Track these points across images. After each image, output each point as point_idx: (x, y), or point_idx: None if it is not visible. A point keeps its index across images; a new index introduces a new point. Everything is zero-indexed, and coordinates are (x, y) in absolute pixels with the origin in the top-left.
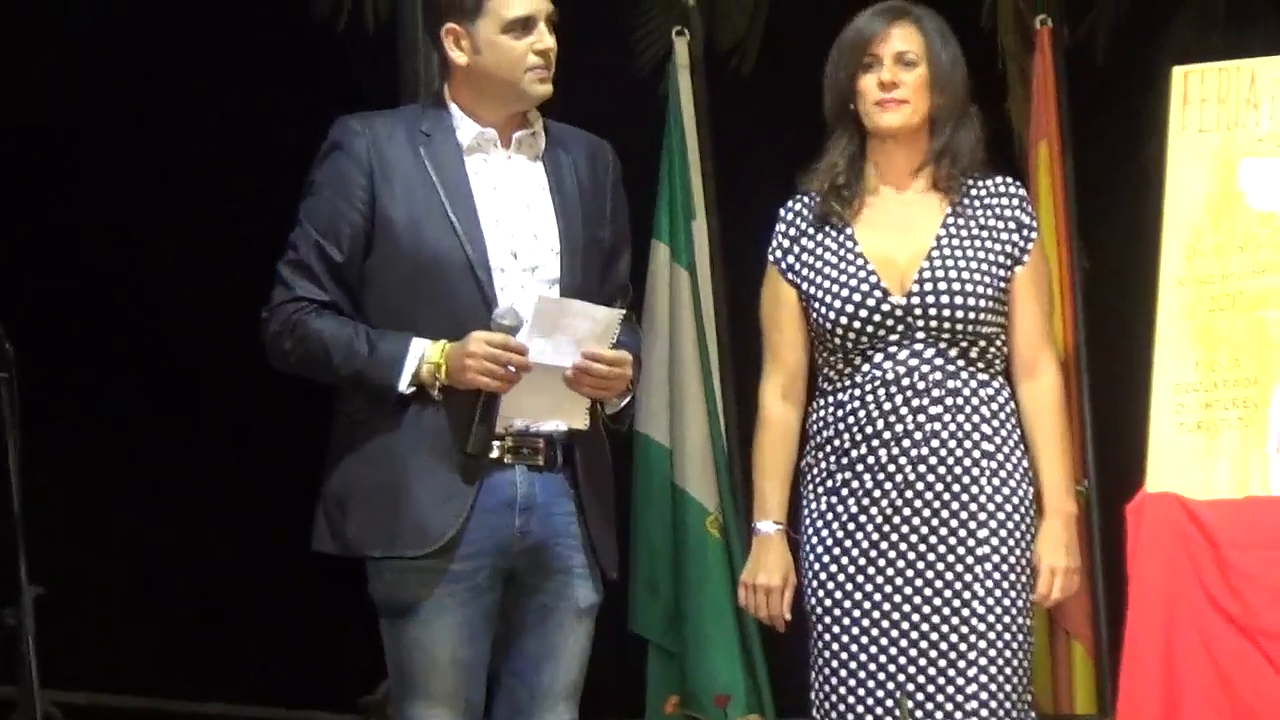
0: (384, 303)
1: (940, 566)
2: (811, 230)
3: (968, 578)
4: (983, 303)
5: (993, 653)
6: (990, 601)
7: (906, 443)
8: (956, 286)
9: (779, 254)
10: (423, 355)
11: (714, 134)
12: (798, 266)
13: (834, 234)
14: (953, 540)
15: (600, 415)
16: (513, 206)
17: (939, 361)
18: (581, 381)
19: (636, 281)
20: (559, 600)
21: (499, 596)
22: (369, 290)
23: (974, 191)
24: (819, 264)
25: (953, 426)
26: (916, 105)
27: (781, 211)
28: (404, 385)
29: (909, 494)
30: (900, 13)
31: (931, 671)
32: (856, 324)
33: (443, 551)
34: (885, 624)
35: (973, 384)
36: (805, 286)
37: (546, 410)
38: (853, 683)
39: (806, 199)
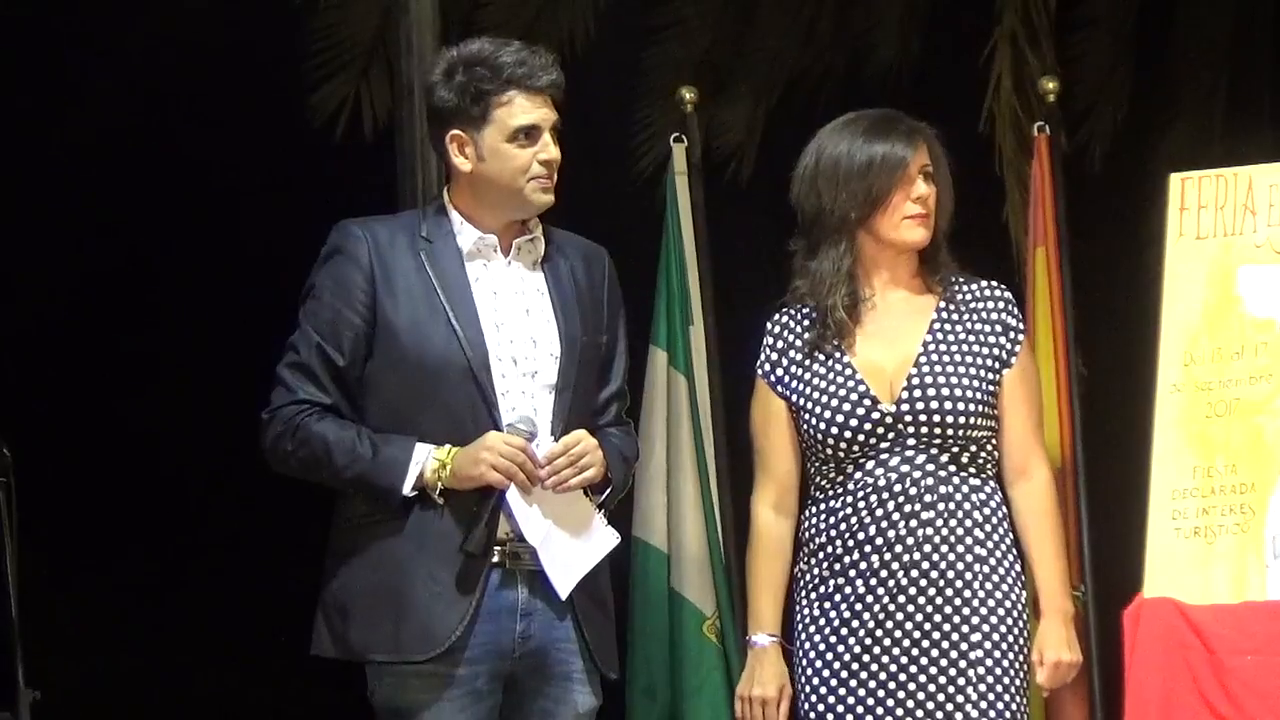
0: (385, 405)
1: (933, 670)
2: (799, 343)
3: (960, 681)
4: (972, 407)
5: None
6: (984, 705)
7: (899, 548)
8: (945, 393)
9: (767, 367)
10: (426, 458)
11: (711, 240)
12: (786, 379)
13: (823, 344)
14: (945, 644)
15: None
16: (513, 312)
17: (930, 467)
18: (565, 482)
19: (634, 387)
20: (559, 705)
21: (498, 701)
22: (370, 393)
23: (960, 295)
24: (808, 375)
25: (945, 531)
26: (933, 219)
27: (768, 324)
28: (408, 489)
29: (901, 599)
30: (917, 130)
31: None
32: (847, 434)
33: (445, 655)
34: None
35: (964, 489)
36: (794, 398)
37: (579, 547)
38: None
39: (792, 310)
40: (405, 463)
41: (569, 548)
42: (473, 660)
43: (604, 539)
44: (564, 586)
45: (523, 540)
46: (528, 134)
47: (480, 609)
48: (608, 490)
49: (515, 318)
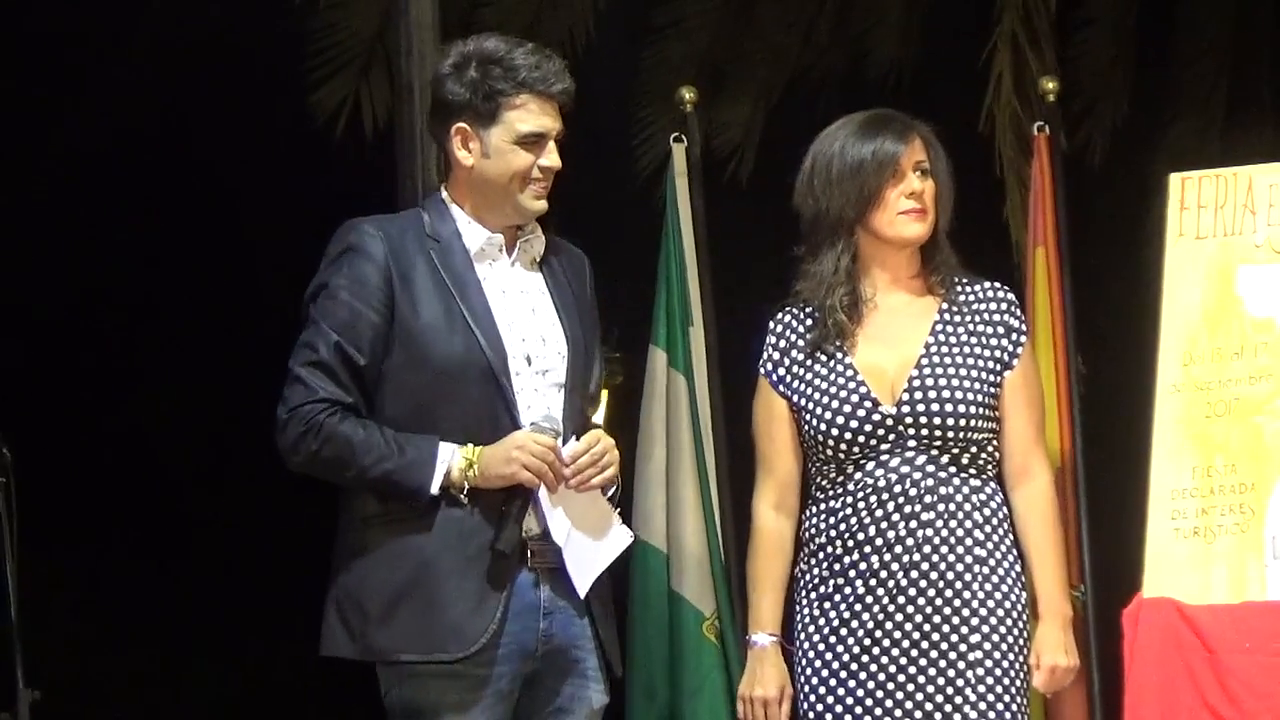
0: (402, 405)
1: (932, 671)
2: (801, 342)
3: (959, 683)
4: (973, 409)
5: None
6: (983, 706)
7: (899, 549)
8: (946, 394)
9: (769, 366)
10: (453, 457)
11: (711, 240)
12: (789, 379)
13: (824, 345)
14: (944, 645)
15: None
16: (520, 311)
17: (931, 469)
18: (588, 481)
19: (634, 387)
20: (574, 703)
21: (516, 700)
22: (386, 392)
23: (963, 296)
24: (809, 375)
25: (944, 532)
26: (932, 215)
27: (771, 324)
28: (435, 488)
29: (901, 599)
30: (910, 126)
31: None
32: (848, 435)
33: (476, 655)
34: None
35: (965, 490)
36: (796, 399)
37: (597, 545)
38: None
39: (796, 310)
40: (432, 462)
41: (588, 546)
42: (501, 660)
43: (619, 537)
44: (583, 585)
45: (543, 539)
46: (534, 140)
47: (509, 608)
48: (613, 489)
49: (523, 317)
